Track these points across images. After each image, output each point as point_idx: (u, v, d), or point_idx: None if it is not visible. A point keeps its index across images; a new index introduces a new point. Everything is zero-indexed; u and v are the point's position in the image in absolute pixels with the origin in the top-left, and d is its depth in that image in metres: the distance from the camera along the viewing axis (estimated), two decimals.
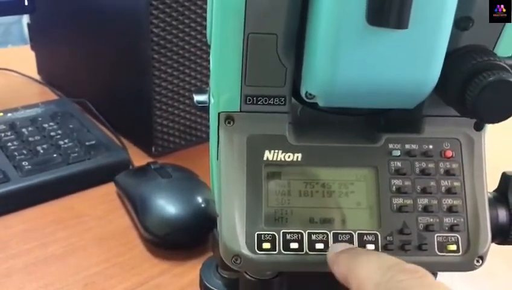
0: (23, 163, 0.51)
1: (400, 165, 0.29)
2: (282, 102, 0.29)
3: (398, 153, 0.30)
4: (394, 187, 0.29)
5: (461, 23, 0.26)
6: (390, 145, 0.30)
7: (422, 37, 0.25)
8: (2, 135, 0.56)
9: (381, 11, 0.23)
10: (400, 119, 0.30)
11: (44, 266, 0.43)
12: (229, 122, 0.29)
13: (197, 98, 0.34)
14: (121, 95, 0.62)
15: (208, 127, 0.64)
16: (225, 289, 0.36)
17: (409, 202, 0.29)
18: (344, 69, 0.25)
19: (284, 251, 0.28)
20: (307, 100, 0.28)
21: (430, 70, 0.26)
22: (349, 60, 0.25)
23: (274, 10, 0.26)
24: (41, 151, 0.54)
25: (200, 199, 0.46)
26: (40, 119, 0.60)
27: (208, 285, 0.37)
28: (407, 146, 0.30)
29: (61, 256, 0.44)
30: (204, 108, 0.34)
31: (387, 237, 0.29)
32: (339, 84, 0.26)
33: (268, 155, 0.29)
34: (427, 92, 0.27)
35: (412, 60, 0.25)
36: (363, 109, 0.29)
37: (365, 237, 0.29)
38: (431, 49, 0.25)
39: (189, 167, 0.52)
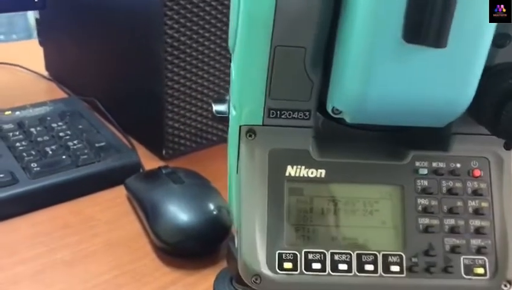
0: (32, 165, 0.50)
1: (426, 184, 0.29)
2: (306, 116, 0.28)
3: (425, 171, 0.29)
4: (420, 207, 0.28)
5: (498, 40, 0.25)
6: (417, 163, 0.29)
7: (460, 55, 0.24)
8: (11, 134, 0.55)
9: (420, 29, 0.22)
10: (427, 137, 0.29)
11: (52, 273, 0.42)
12: (250, 136, 0.28)
13: (216, 108, 0.33)
14: (132, 95, 0.61)
15: (220, 130, 0.63)
16: None
17: (435, 222, 0.28)
18: (376, 87, 0.24)
19: (306, 271, 0.28)
20: (334, 115, 0.27)
21: (465, 90, 0.25)
22: (382, 77, 0.24)
23: (304, 23, 0.25)
24: (50, 152, 0.53)
25: (212, 206, 0.45)
26: (48, 118, 0.59)
27: None
28: (434, 164, 0.29)
29: (70, 262, 0.43)
30: (223, 119, 0.33)
31: (412, 259, 0.28)
32: (370, 102, 0.25)
33: (290, 171, 0.28)
34: (460, 112, 0.26)
35: (448, 79, 0.24)
36: (390, 126, 0.28)
37: (390, 258, 0.28)
38: (468, 68, 0.24)
39: (199, 170, 0.51)
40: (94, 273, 0.42)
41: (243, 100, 0.28)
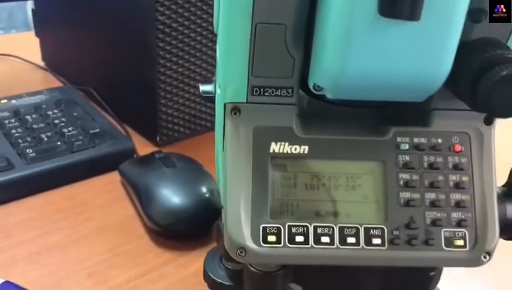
0: (27, 151, 0.51)
1: (408, 159, 0.29)
2: (289, 93, 0.28)
3: (406, 146, 0.29)
4: (402, 181, 0.29)
5: (474, 15, 0.26)
6: (399, 139, 0.29)
7: (435, 29, 0.24)
8: (6, 122, 0.56)
9: (394, 2, 0.22)
10: (408, 112, 0.30)
11: (47, 255, 0.42)
12: (235, 113, 0.29)
13: (203, 88, 0.34)
14: (126, 83, 0.62)
15: (213, 116, 0.64)
16: (229, 280, 0.36)
17: (416, 196, 0.29)
18: (354, 61, 0.25)
19: (289, 243, 0.28)
20: (315, 92, 0.27)
21: (441, 63, 0.25)
22: (359, 52, 0.24)
23: (283, 0, 0.25)
24: (46, 139, 0.53)
25: (204, 189, 0.45)
26: (44, 106, 0.60)
27: (212, 276, 0.37)
28: (415, 140, 0.29)
29: (64, 245, 0.44)
30: (210, 98, 0.34)
31: (394, 232, 0.28)
32: (348, 77, 0.25)
33: (274, 147, 0.29)
34: (437, 86, 0.26)
35: (424, 52, 0.25)
36: (371, 102, 0.28)
37: (371, 231, 0.28)
38: (443, 42, 0.25)
39: (193, 156, 0.51)
40: (88, 255, 0.43)
41: (227, 78, 0.28)
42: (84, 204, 0.49)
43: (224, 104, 0.29)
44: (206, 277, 0.37)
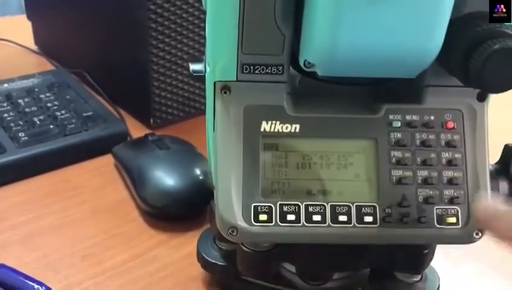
0: (20, 134, 0.51)
1: (400, 137, 0.29)
2: (280, 71, 0.28)
3: (398, 124, 0.29)
4: (394, 159, 0.29)
5: None
6: (391, 116, 0.29)
7: (426, 2, 0.24)
8: None
9: None
10: (401, 90, 0.29)
11: (40, 238, 0.42)
12: (225, 92, 0.29)
13: (193, 67, 0.34)
14: (119, 65, 0.61)
15: None
16: (222, 261, 0.36)
17: (408, 174, 0.29)
18: (344, 36, 0.24)
19: (281, 222, 0.28)
20: (306, 69, 0.27)
21: (433, 38, 0.25)
22: (350, 26, 0.24)
23: None
24: (38, 122, 0.53)
25: (198, 171, 0.45)
26: (36, 90, 0.59)
27: (205, 257, 0.37)
28: (407, 117, 0.29)
29: (57, 228, 0.43)
30: (200, 78, 0.33)
31: (386, 210, 0.28)
32: (339, 52, 0.25)
33: (265, 126, 0.29)
34: (429, 61, 0.26)
35: (415, 26, 0.24)
36: (363, 79, 0.28)
37: (363, 209, 0.28)
38: (434, 16, 0.24)
39: (187, 138, 0.51)
40: (82, 238, 0.42)
41: (216, 55, 0.28)
42: (77, 187, 0.48)
43: (214, 83, 0.29)
44: (200, 258, 0.37)
